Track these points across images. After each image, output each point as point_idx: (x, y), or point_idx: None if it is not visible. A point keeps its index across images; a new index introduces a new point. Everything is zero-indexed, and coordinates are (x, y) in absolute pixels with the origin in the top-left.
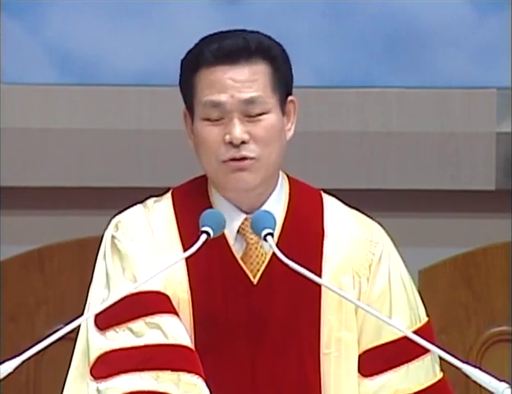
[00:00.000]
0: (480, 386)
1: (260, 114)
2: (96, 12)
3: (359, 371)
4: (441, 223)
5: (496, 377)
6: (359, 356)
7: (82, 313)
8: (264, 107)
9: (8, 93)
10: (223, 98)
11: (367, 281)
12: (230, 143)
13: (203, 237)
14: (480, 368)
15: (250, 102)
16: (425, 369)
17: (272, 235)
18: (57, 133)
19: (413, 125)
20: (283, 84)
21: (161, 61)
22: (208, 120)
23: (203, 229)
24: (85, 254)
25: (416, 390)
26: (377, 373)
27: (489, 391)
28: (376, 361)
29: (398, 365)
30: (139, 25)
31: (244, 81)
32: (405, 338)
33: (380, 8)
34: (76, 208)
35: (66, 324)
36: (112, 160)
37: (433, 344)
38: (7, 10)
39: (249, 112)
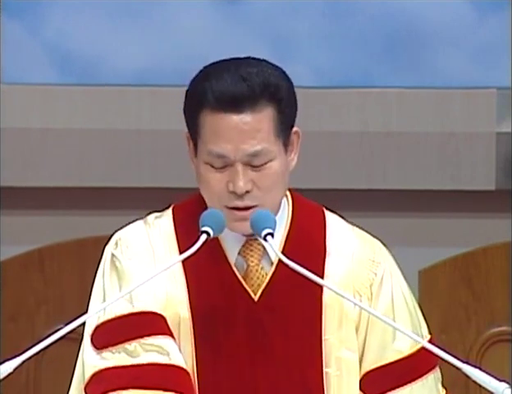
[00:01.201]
0: (480, 386)
1: (264, 163)
2: (96, 12)
3: (363, 391)
4: (441, 223)
5: (495, 378)
6: (363, 376)
7: (82, 315)
8: (268, 157)
9: (8, 93)
10: (227, 150)
11: (368, 301)
12: (234, 192)
13: (203, 237)
14: (480, 368)
15: (254, 155)
16: (429, 388)
17: (272, 235)
18: (57, 133)
19: (413, 126)
20: (288, 123)
21: (161, 61)
22: (212, 166)
23: (203, 229)
24: (85, 254)
25: None
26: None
27: (489, 391)
28: (380, 381)
29: (402, 385)
30: (139, 25)
31: (248, 131)
32: (409, 358)
33: (380, 8)
34: (76, 208)
35: (66, 324)
36: (112, 160)
37: (436, 361)
38: (7, 10)
39: (253, 163)
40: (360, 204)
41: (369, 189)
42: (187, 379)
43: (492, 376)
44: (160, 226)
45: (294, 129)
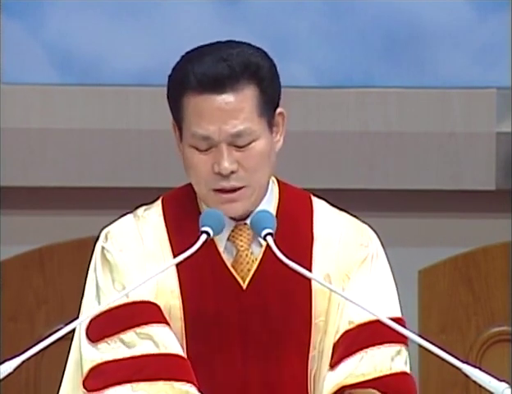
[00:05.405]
0: (480, 386)
1: (248, 143)
2: (96, 12)
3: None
4: (441, 223)
5: (495, 378)
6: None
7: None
8: (252, 136)
9: (8, 93)
10: (211, 131)
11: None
12: (219, 173)
13: (203, 237)
14: (480, 368)
15: (237, 135)
16: (381, 358)
17: (272, 234)
18: (57, 133)
19: (413, 126)
20: (271, 103)
21: (161, 61)
22: (197, 149)
23: (203, 229)
24: (85, 254)
25: (369, 377)
26: (336, 364)
27: (489, 391)
28: (337, 351)
29: (351, 354)
30: (139, 25)
31: (230, 111)
32: (359, 327)
33: (380, 8)
34: (76, 208)
35: (66, 324)
36: (112, 160)
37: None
38: (7, 10)
39: (237, 143)
40: (360, 204)
41: (369, 189)
42: (185, 366)
43: (492, 376)
44: (149, 218)
45: (279, 110)
